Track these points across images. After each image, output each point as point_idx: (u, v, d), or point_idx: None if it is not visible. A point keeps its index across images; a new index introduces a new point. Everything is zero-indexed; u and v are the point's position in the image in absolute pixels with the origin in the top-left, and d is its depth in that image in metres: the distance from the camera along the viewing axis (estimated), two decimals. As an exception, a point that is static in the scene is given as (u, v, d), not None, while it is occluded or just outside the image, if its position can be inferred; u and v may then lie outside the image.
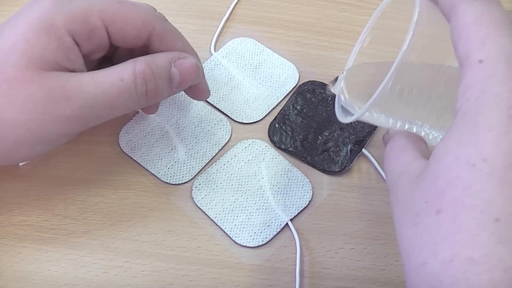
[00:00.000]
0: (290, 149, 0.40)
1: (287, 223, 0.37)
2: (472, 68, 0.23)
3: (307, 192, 0.38)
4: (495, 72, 0.23)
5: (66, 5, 0.32)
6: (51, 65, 0.31)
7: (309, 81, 0.42)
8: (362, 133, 0.40)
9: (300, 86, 0.42)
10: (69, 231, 0.37)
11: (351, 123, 0.32)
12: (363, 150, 0.39)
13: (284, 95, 0.42)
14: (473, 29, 0.24)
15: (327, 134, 0.40)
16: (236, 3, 0.46)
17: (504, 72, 0.23)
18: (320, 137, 0.40)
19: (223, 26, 0.45)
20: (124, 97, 0.33)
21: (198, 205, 0.38)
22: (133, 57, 0.35)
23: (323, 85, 0.42)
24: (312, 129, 0.40)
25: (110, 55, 0.37)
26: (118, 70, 0.33)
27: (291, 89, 0.42)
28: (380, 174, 0.39)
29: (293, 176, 0.39)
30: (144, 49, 0.36)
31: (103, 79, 0.32)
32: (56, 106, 0.31)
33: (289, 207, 0.38)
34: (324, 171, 0.39)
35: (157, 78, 0.34)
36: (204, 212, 0.37)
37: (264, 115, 0.41)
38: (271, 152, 0.40)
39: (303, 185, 0.38)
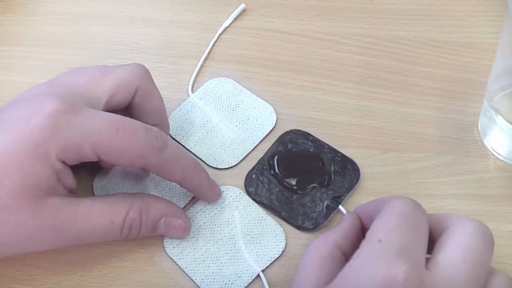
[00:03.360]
0: (264, 202, 0.39)
1: (258, 274, 0.36)
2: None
3: (281, 242, 0.37)
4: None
5: (61, 133, 0.32)
6: (45, 191, 0.32)
7: (292, 130, 0.41)
8: (341, 189, 0.39)
9: (282, 135, 0.41)
10: (40, 282, 0.37)
11: None
12: (340, 206, 0.38)
13: (261, 139, 0.41)
14: None
15: (305, 188, 0.39)
16: (216, 41, 0.46)
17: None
18: (297, 191, 0.39)
19: (202, 66, 0.45)
20: (109, 235, 0.34)
21: (170, 254, 0.37)
22: None
23: (306, 135, 0.41)
24: (290, 182, 0.39)
25: None
26: (112, 212, 0.34)
27: (268, 132, 0.41)
28: (356, 223, 0.38)
29: (266, 225, 0.38)
30: None
31: (96, 217, 0.34)
32: (45, 234, 0.33)
33: (262, 257, 0.37)
34: (298, 227, 0.38)
35: (142, 227, 0.35)
36: (175, 262, 0.37)
37: (239, 160, 0.40)
38: (245, 199, 0.39)
39: (276, 234, 0.38)
